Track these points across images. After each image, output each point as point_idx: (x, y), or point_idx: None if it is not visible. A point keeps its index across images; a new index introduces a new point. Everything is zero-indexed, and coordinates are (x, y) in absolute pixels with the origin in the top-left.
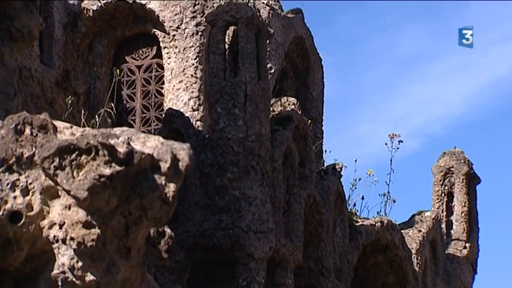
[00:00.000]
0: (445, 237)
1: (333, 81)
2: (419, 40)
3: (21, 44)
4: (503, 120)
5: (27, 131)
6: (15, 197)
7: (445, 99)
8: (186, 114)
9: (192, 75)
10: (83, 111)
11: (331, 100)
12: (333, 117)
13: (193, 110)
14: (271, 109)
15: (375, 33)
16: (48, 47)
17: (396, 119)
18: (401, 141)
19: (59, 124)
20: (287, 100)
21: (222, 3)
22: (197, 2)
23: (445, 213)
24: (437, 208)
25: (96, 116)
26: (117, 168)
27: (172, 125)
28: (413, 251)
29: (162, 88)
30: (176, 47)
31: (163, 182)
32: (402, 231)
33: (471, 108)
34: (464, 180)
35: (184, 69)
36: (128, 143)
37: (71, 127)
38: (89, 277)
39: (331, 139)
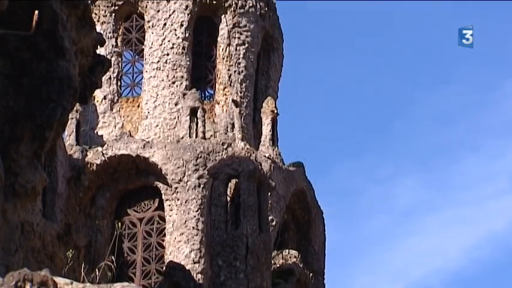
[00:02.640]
0: None
1: (330, 231)
2: (415, 192)
3: (25, 200)
4: (501, 274)
5: None
6: None
7: (443, 252)
8: (187, 267)
9: (193, 227)
10: (83, 265)
11: (329, 250)
12: (331, 267)
13: (194, 263)
14: (272, 262)
15: (370, 184)
16: (50, 201)
17: (395, 271)
18: None
19: (59, 280)
20: (289, 253)
21: (224, 157)
22: (199, 155)
23: None
24: None
25: (97, 270)
26: None
27: (173, 278)
28: None
29: (163, 240)
30: (178, 200)
31: None
32: None
33: (469, 262)
34: None
35: (185, 221)
36: None
37: (71, 283)
38: None
39: None
